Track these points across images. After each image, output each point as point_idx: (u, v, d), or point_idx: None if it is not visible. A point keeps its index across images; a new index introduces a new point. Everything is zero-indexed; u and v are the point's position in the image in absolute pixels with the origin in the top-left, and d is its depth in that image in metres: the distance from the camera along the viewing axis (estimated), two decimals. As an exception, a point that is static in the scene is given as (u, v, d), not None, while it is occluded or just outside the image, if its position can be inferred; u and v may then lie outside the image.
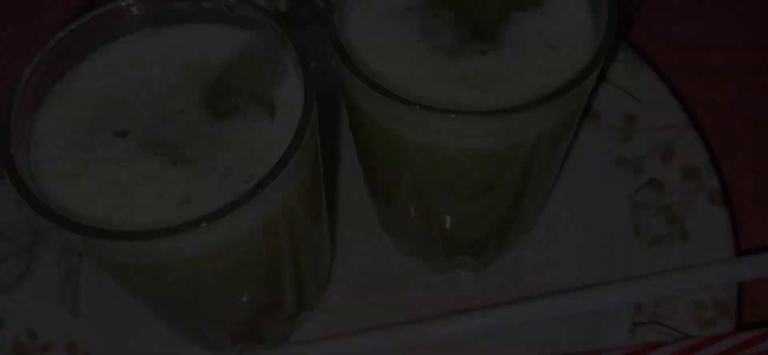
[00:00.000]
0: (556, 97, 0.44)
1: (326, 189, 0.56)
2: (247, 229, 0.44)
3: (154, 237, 0.40)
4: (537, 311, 0.59)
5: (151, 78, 0.49)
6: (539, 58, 0.48)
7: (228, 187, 0.44)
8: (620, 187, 0.65)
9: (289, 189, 0.45)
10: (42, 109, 0.47)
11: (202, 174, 0.45)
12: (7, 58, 0.78)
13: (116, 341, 0.61)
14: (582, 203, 0.66)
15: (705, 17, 0.79)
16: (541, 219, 0.65)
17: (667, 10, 0.80)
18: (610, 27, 0.46)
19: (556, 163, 0.57)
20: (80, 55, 0.49)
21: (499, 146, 0.47)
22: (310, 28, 0.60)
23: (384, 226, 0.64)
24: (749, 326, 0.57)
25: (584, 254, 0.64)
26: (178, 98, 0.48)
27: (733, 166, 0.69)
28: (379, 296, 0.63)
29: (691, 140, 0.64)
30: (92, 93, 0.48)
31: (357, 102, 0.49)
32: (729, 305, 0.57)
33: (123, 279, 0.49)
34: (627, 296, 0.59)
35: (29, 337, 0.59)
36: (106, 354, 0.60)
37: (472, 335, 0.59)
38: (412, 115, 0.44)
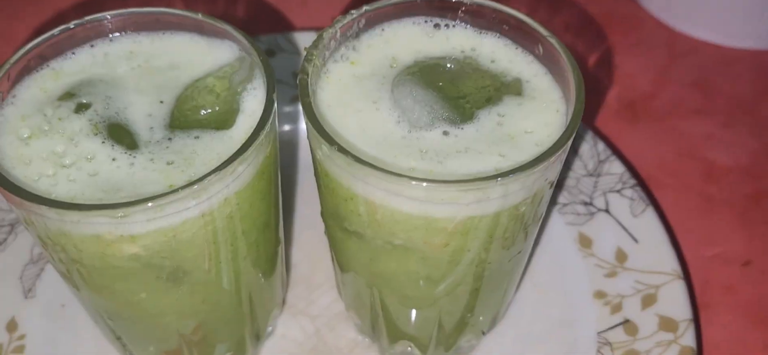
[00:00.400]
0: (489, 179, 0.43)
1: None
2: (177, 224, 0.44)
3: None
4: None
5: (129, 75, 0.51)
6: (500, 144, 0.47)
7: (173, 184, 0.44)
8: (593, 321, 0.61)
9: (235, 188, 0.45)
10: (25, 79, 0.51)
11: (144, 167, 0.46)
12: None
13: (55, 334, 0.61)
14: (547, 330, 0.62)
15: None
16: (501, 338, 0.62)
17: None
18: (567, 131, 0.45)
19: (505, 269, 0.54)
20: (73, 45, 0.52)
21: (452, 217, 0.46)
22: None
23: (338, 289, 0.63)
24: None
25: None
26: (150, 98, 0.50)
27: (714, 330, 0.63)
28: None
29: (677, 292, 0.60)
30: (72, 77, 0.51)
31: (316, 154, 0.49)
32: None
33: (56, 259, 0.50)
34: None
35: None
36: (40, 341, 0.60)
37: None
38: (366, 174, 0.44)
